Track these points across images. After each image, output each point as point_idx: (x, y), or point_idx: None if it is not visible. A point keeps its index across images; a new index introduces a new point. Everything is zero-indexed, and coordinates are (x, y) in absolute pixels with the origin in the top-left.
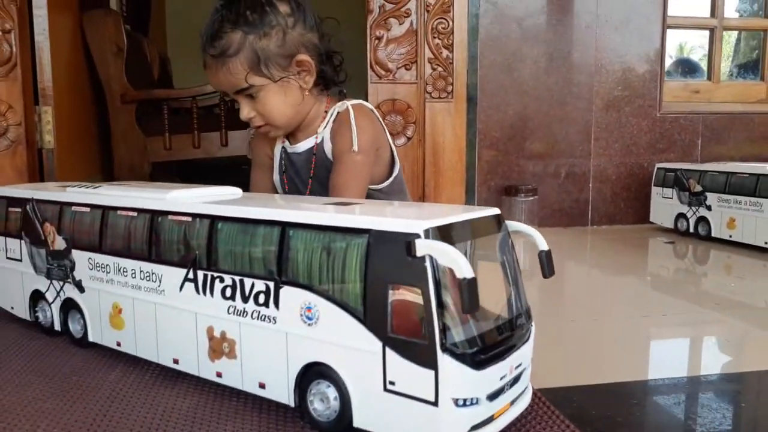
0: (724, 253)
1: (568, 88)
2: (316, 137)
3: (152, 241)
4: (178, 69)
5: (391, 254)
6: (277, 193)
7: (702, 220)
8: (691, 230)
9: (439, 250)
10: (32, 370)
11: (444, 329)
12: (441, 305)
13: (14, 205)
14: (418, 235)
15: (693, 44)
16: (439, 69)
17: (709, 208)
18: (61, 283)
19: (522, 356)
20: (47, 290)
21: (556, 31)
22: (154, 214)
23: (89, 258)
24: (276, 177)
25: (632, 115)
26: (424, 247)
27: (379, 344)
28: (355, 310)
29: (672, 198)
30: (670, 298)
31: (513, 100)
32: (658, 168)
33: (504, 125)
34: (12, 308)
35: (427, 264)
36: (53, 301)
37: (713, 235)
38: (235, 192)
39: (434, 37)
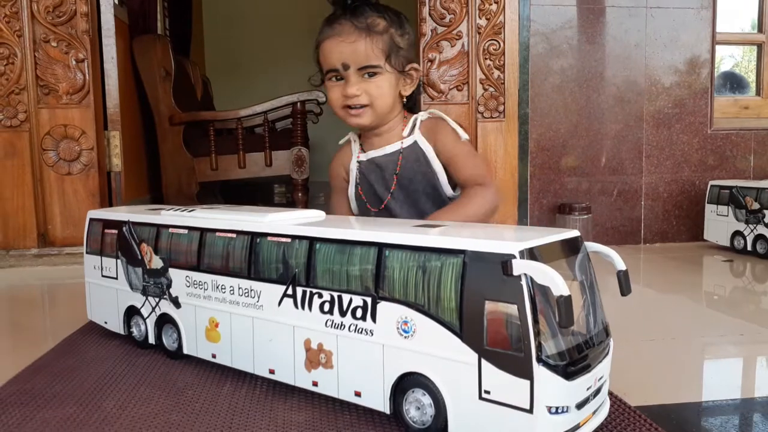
0: None
1: (619, 106)
2: (402, 141)
3: (251, 260)
4: (217, 89)
5: (488, 273)
6: (352, 214)
7: (761, 237)
8: (749, 248)
9: (537, 269)
10: (148, 384)
11: (539, 343)
12: (536, 320)
13: (110, 227)
14: (514, 256)
15: (722, 54)
16: (491, 89)
17: (767, 225)
18: (157, 299)
19: (603, 369)
20: (142, 306)
21: (605, 50)
22: (254, 236)
23: (186, 276)
24: (351, 191)
25: (683, 132)
26: (521, 266)
27: (475, 356)
28: (451, 324)
29: (728, 215)
30: (740, 318)
31: (564, 119)
32: (711, 185)
33: (555, 144)
34: (106, 323)
35: (523, 282)
36: (148, 316)
37: None
38: (319, 214)
39: (485, 58)
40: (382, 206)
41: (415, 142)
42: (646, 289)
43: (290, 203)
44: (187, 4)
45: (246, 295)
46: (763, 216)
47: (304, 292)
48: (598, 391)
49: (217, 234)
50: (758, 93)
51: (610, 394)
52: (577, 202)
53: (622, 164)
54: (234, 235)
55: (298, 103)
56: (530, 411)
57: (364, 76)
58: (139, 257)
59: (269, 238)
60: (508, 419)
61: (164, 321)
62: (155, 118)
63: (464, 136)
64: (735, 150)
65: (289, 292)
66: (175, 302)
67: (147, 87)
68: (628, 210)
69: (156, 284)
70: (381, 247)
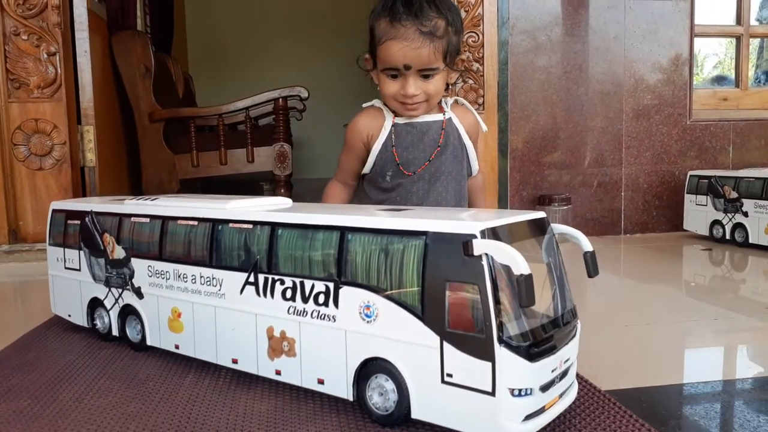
0: (764, 259)
1: (599, 98)
2: (444, 114)
3: (213, 248)
4: (200, 87)
5: (449, 254)
6: (356, 178)
7: (739, 226)
8: (728, 237)
9: (497, 248)
10: (109, 376)
11: (500, 323)
12: (497, 301)
13: (73, 217)
14: (474, 236)
15: (705, 51)
16: (470, 81)
17: (745, 214)
18: (120, 290)
19: (570, 351)
20: (105, 297)
21: (584, 42)
22: (215, 223)
23: (149, 266)
24: (375, 154)
25: (662, 123)
26: (481, 246)
27: (436, 339)
28: (413, 307)
29: (706, 205)
30: (716, 303)
31: (543, 111)
32: (690, 175)
33: (535, 136)
34: (69, 316)
35: (484, 262)
36: (111, 308)
37: (751, 241)
38: (286, 202)
39: (465, 51)
40: (420, 169)
41: (451, 119)
42: (626, 279)
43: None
44: (168, 1)
45: (208, 283)
46: (741, 205)
47: (266, 279)
48: (564, 374)
49: (179, 222)
50: (737, 85)
51: (580, 378)
52: (556, 193)
53: (602, 155)
54: (195, 223)
55: (280, 99)
56: (492, 394)
57: (422, 76)
58: (102, 248)
59: (231, 225)
60: (471, 403)
61: (127, 312)
62: (135, 114)
63: (485, 128)
64: (714, 141)
65: (251, 279)
66: (138, 293)
67: (126, 84)
68: (608, 201)
69: (119, 275)
70: (343, 231)
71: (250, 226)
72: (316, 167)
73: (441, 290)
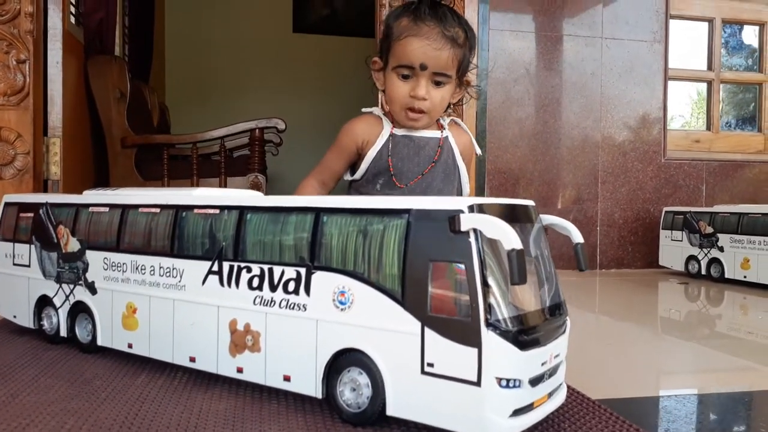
0: (740, 294)
1: (576, 132)
2: (442, 132)
3: (175, 235)
4: (176, 118)
5: (434, 231)
6: (335, 181)
7: (714, 261)
8: (703, 272)
9: (485, 221)
10: (51, 375)
11: (488, 306)
12: (485, 281)
13: (26, 210)
14: (462, 211)
15: (672, 113)
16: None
17: (721, 249)
18: (72, 286)
19: (560, 346)
20: (55, 294)
21: (563, 77)
22: (179, 209)
23: (105, 258)
24: (368, 161)
25: (637, 160)
26: (469, 220)
27: (417, 324)
28: (392, 291)
29: (682, 240)
30: (692, 338)
31: (521, 143)
32: (666, 211)
33: (512, 168)
34: (15, 317)
35: (472, 239)
36: (61, 306)
37: (726, 276)
38: (256, 194)
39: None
40: (413, 182)
41: (448, 137)
42: (601, 315)
43: None
44: (148, 29)
45: (167, 275)
46: (717, 240)
47: (231, 268)
48: (554, 372)
49: (140, 210)
50: (708, 128)
51: (568, 388)
52: None
53: (578, 190)
54: (158, 211)
55: (257, 130)
56: (478, 384)
57: (434, 82)
58: (55, 240)
59: (196, 211)
60: (454, 395)
61: (78, 310)
62: (107, 140)
63: (479, 151)
64: (688, 179)
65: (215, 268)
66: (91, 288)
67: (100, 108)
68: (584, 235)
69: (71, 269)
70: (318, 212)
71: (217, 211)
72: None
73: (423, 272)
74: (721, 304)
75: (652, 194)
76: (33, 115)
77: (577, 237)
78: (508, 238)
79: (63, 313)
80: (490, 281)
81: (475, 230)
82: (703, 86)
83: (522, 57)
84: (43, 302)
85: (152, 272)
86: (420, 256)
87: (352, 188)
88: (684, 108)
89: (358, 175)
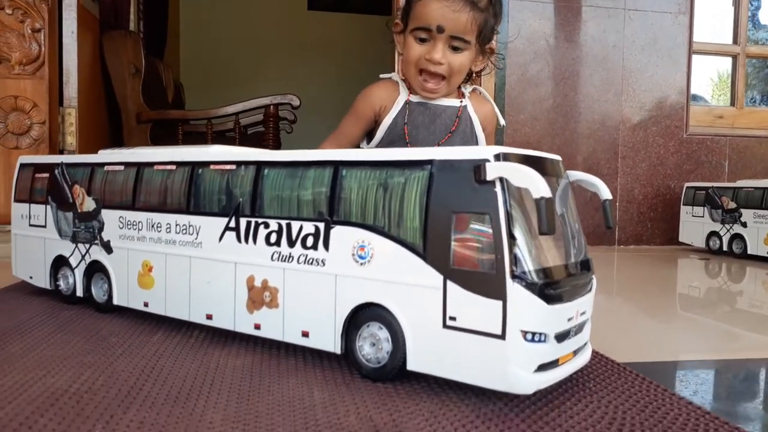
0: (763, 270)
1: (596, 106)
2: (461, 101)
3: (191, 192)
4: (190, 97)
5: (457, 182)
6: (359, 145)
7: (737, 237)
8: (725, 248)
9: (512, 169)
10: (67, 332)
11: (514, 257)
12: (511, 232)
13: (41, 171)
14: (488, 159)
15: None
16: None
17: (744, 224)
18: (87, 245)
19: (586, 303)
20: (71, 254)
21: (583, 48)
22: (195, 166)
23: (120, 216)
24: (385, 128)
25: (659, 135)
26: (496, 169)
27: (439, 278)
28: (413, 245)
29: (703, 216)
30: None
31: (541, 117)
32: (687, 187)
33: (531, 142)
34: (31, 278)
35: (498, 188)
36: (77, 266)
37: (749, 252)
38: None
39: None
40: None
41: (467, 107)
42: (620, 291)
43: None
44: (162, 5)
45: (184, 232)
46: (740, 215)
47: (249, 224)
48: (579, 329)
49: (156, 168)
50: (732, 103)
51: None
52: None
53: (597, 165)
54: (173, 168)
55: (271, 106)
56: (502, 336)
57: (451, 47)
58: (71, 200)
59: (212, 167)
60: (477, 349)
61: (94, 270)
62: (122, 115)
63: (502, 121)
64: (710, 155)
65: (232, 224)
66: (107, 247)
67: (115, 83)
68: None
69: (87, 228)
70: (338, 166)
71: (234, 167)
72: None
73: (446, 224)
74: (743, 280)
75: (673, 170)
76: (49, 84)
77: (606, 193)
78: (537, 186)
79: (79, 273)
80: (516, 232)
81: (501, 179)
82: (725, 68)
83: (542, 28)
84: (60, 262)
85: (168, 230)
86: (442, 207)
87: None
88: (705, 89)
89: (373, 143)
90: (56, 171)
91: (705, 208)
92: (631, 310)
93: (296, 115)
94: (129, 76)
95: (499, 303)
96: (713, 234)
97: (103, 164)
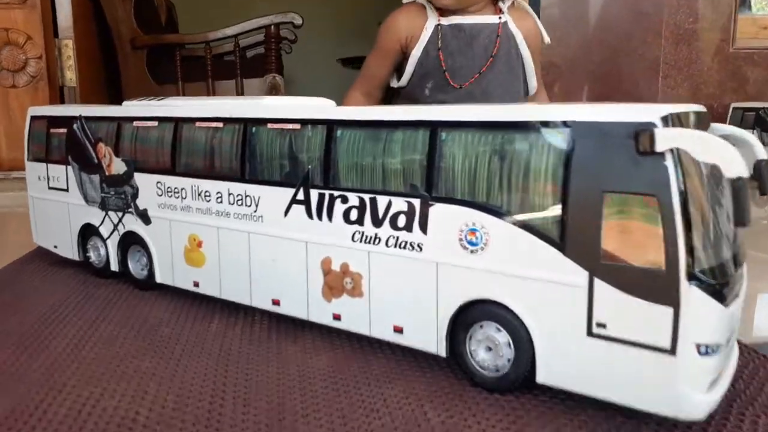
0: None
1: (636, 19)
2: (500, 17)
3: (245, 156)
4: (182, 15)
5: (609, 153)
6: (383, 89)
7: None
8: None
9: (694, 139)
10: (111, 320)
11: (691, 252)
12: (688, 220)
13: (57, 125)
14: (654, 124)
15: None
16: None
17: None
18: (120, 213)
19: (742, 298)
20: (101, 223)
21: None
22: (248, 123)
23: (158, 182)
24: (415, 60)
25: (702, 50)
26: (668, 138)
27: (584, 274)
28: (544, 231)
29: None
30: None
31: (576, 32)
32: (734, 108)
33: (566, 59)
34: (55, 247)
35: (669, 162)
36: (109, 236)
37: None
38: (329, 103)
39: None
40: (469, 83)
41: (506, 23)
42: None
43: None
44: None
45: (239, 203)
46: None
47: (322, 197)
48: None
49: (198, 125)
50: None
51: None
52: None
53: (636, 85)
54: (221, 125)
55: (272, 27)
56: (671, 352)
57: None
58: (96, 161)
59: (269, 126)
60: (633, 364)
61: (130, 242)
62: (116, 41)
63: (547, 39)
64: (757, 71)
65: (300, 196)
66: (144, 217)
67: (106, 7)
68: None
69: (118, 195)
70: (436, 127)
71: (298, 126)
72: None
73: (594, 206)
74: None
75: (716, 88)
76: (42, 14)
77: (761, 152)
78: (732, 161)
79: (112, 245)
80: (694, 220)
81: (673, 151)
82: None
83: None
84: (88, 231)
85: (219, 200)
86: (588, 185)
87: (400, 97)
88: None
89: (404, 80)
90: (75, 126)
91: (755, 131)
92: None
93: (296, 35)
94: None
95: (669, 309)
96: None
97: (131, 119)
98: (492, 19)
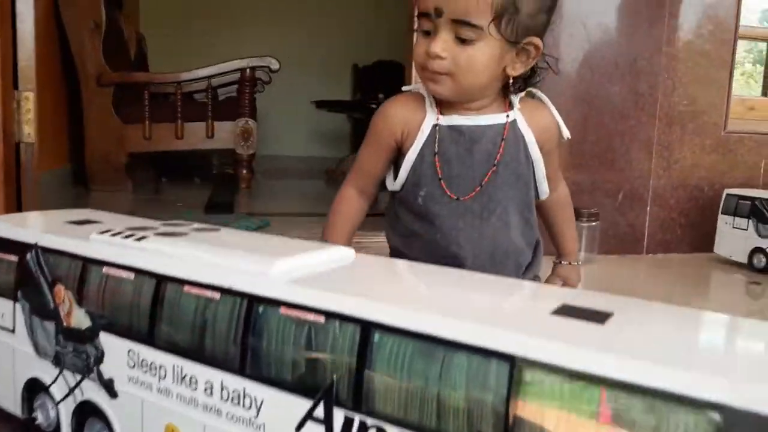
0: None
1: (632, 99)
2: (508, 114)
3: (247, 344)
4: (152, 46)
5: None
6: (378, 186)
7: None
8: None
9: None
10: None
11: None
12: None
13: (6, 248)
14: None
15: None
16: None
17: None
18: (79, 376)
19: None
20: (54, 382)
21: (621, 32)
22: (253, 301)
23: (130, 350)
24: (409, 164)
25: (695, 132)
26: None
27: None
28: None
29: (747, 229)
30: None
31: (574, 110)
32: (728, 194)
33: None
34: None
35: None
36: (62, 400)
37: None
38: (347, 256)
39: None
40: (468, 197)
41: (515, 122)
42: None
43: (232, 177)
44: None
45: (235, 401)
46: None
47: (349, 422)
48: None
49: (186, 289)
50: (765, 93)
51: None
52: (584, 207)
53: (630, 165)
54: (217, 295)
55: (248, 70)
56: None
57: (458, 38)
58: (52, 305)
59: (283, 311)
60: None
61: (88, 412)
62: (81, 77)
63: (567, 134)
64: (748, 155)
65: (319, 414)
66: (109, 388)
67: (72, 41)
68: (633, 216)
69: (77, 353)
70: (514, 362)
71: (321, 319)
72: (278, 143)
73: None
74: None
75: (707, 171)
76: (1, 64)
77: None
78: None
79: (66, 412)
80: None
81: None
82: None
83: (579, 11)
84: (36, 386)
85: (209, 391)
86: None
87: (396, 199)
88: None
89: (398, 183)
90: (29, 256)
91: (750, 220)
92: None
93: (271, 77)
94: (87, 32)
95: None
96: (758, 250)
97: (100, 262)
98: (498, 118)
